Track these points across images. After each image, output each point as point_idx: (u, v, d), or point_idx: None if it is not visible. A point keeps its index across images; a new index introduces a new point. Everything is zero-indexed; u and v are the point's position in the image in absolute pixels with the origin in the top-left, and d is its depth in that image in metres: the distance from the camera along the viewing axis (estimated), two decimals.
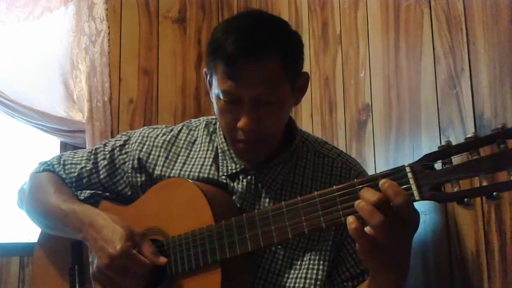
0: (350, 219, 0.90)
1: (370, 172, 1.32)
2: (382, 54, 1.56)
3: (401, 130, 1.47)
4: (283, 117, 1.17)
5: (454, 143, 1.26)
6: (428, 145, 1.36)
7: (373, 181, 0.92)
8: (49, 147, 2.43)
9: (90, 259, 1.16)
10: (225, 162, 1.22)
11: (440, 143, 1.31)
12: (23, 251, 2.19)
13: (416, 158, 1.33)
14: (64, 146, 2.40)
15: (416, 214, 0.90)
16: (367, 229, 0.88)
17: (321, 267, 1.15)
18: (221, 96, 1.10)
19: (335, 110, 1.78)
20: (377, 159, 1.56)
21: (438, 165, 0.88)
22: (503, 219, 1.15)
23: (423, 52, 1.39)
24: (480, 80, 1.21)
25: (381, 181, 0.88)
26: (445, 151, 0.87)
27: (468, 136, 0.85)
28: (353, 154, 1.64)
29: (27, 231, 2.24)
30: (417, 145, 1.40)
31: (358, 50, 1.68)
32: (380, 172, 0.92)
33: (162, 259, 1.12)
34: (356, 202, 0.89)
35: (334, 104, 1.79)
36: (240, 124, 1.10)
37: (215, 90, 1.12)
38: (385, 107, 1.54)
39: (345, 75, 1.75)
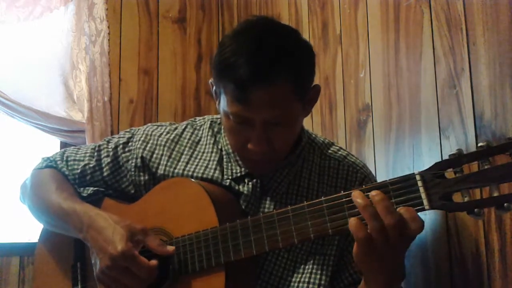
0: (353, 220, 0.90)
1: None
2: (382, 54, 1.56)
3: (401, 130, 1.47)
4: (295, 134, 1.17)
5: (454, 143, 1.27)
6: (428, 145, 1.36)
7: (382, 188, 0.91)
8: (49, 147, 2.43)
9: (92, 261, 1.16)
10: (229, 165, 1.22)
11: (440, 143, 1.31)
12: (23, 251, 2.19)
13: (416, 158, 1.34)
14: (64, 146, 2.40)
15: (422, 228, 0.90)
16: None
17: (324, 272, 1.15)
18: (231, 117, 1.09)
19: (335, 110, 1.79)
20: (377, 159, 1.56)
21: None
22: (503, 219, 1.15)
23: (423, 52, 1.39)
24: (480, 80, 1.21)
25: (399, 209, 0.88)
26: (456, 160, 0.86)
27: (480, 144, 0.84)
28: (353, 154, 1.64)
29: (27, 231, 2.24)
30: (417, 145, 1.40)
31: (358, 50, 1.68)
32: (389, 180, 0.92)
33: (170, 248, 1.12)
34: (362, 202, 0.89)
35: (334, 104, 1.79)
36: (251, 146, 1.09)
37: (224, 109, 1.10)
38: (385, 107, 1.54)
39: (345, 75, 1.75)
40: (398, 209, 0.88)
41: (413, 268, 1.36)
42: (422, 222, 0.88)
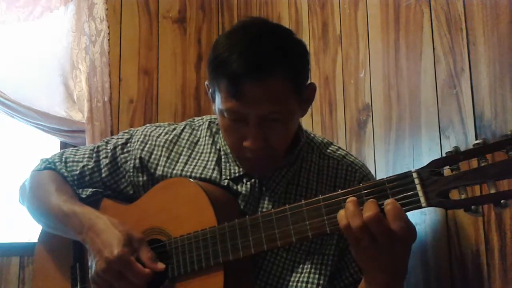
0: (342, 213, 0.91)
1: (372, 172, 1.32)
2: (382, 54, 1.56)
3: (401, 130, 1.47)
4: (291, 132, 1.16)
5: (454, 143, 1.27)
6: (428, 145, 1.36)
7: (379, 186, 0.92)
8: (49, 147, 2.43)
9: (89, 263, 1.16)
10: (228, 165, 1.21)
11: (440, 143, 1.31)
12: (23, 251, 2.19)
13: (416, 158, 1.34)
14: (64, 146, 2.40)
15: (413, 232, 0.91)
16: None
17: (323, 271, 1.15)
18: (226, 114, 1.09)
19: (335, 110, 1.78)
20: (377, 159, 1.56)
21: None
22: (503, 219, 1.15)
23: (423, 52, 1.39)
24: (480, 80, 1.21)
25: (386, 201, 0.89)
26: (453, 157, 0.86)
27: (477, 142, 0.84)
28: (353, 154, 1.64)
29: (27, 231, 2.24)
30: (417, 145, 1.40)
31: (358, 50, 1.68)
32: (386, 178, 0.92)
33: (160, 265, 1.11)
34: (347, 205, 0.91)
35: (334, 104, 1.79)
36: (247, 143, 1.08)
37: (219, 107, 1.10)
38: (385, 107, 1.54)
39: (345, 75, 1.75)
40: (386, 202, 0.89)
41: (413, 268, 1.36)
42: (406, 221, 0.88)
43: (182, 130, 1.31)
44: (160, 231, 1.18)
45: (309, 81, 1.16)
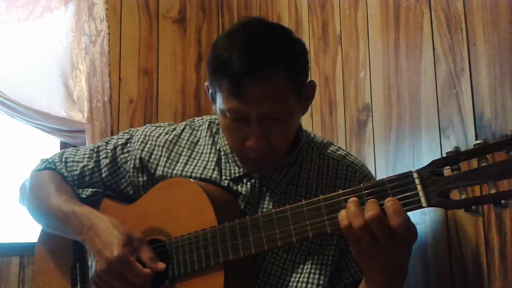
0: (343, 213, 0.91)
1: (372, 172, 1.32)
2: (382, 54, 1.56)
3: (401, 130, 1.47)
4: (292, 130, 1.16)
5: (454, 143, 1.27)
6: (428, 145, 1.36)
7: (379, 186, 0.92)
8: (49, 147, 2.43)
9: (89, 263, 1.16)
10: (228, 165, 1.21)
11: (440, 143, 1.31)
12: (23, 251, 2.19)
13: (416, 158, 1.34)
14: (64, 146, 2.40)
15: (413, 231, 0.91)
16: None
17: (323, 272, 1.15)
18: (227, 114, 1.09)
19: (335, 110, 1.78)
20: (377, 159, 1.56)
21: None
22: (503, 219, 1.15)
23: (423, 52, 1.39)
24: (480, 80, 1.21)
25: (386, 199, 0.89)
26: (453, 157, 0.86)
27: (477, 142, 0.84)
28: (353, 154, 1.64)
29: (27, 231, 2.24)
30: (417, 145, 1.40)
31: (358, 50, 1.68)
32: (386, 178, 0.92)
33: (161, 265, 1.11)
34: (349, 205, 0.91)
35: (334, 104, 1.79)
36: (250, 143, 1.09)
37: (220, 107, 1.10)
38: (385, 107, 1.54)
39: (345, 75, 1.75)
40: (386, 200, 0.89)
41: (413, 268, 1.36)
42: (406, 218, 0.88)
43: (182, 130, 1.31)
44: (160, 231, 1.18)
45: (308, 79, 1.16)
